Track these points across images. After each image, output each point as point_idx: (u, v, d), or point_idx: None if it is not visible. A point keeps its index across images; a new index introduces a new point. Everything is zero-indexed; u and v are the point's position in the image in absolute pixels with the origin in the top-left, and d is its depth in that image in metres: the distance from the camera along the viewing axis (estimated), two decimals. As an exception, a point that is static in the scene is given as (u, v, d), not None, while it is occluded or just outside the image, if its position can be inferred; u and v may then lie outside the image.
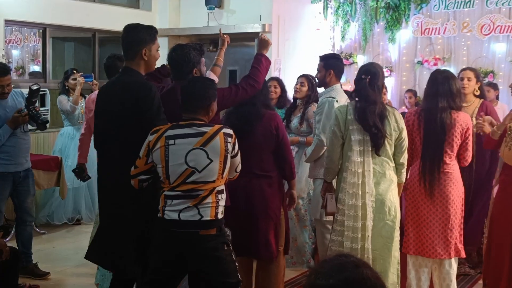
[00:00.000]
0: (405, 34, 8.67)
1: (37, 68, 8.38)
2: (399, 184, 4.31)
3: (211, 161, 3.36)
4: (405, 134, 4.23)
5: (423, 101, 4.68)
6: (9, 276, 4.06)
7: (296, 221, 5.48)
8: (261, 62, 4.13)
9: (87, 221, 6.92)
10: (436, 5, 8.41)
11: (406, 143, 4.26)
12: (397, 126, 4.25)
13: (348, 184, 4.13)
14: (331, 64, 4.93)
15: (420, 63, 8.55)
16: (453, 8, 8.30)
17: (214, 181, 3.38)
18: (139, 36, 3.71)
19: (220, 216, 3.42)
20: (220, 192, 3.44)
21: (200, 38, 9.30)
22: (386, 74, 8.14)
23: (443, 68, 8.00)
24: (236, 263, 3.49)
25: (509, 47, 7.99)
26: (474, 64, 8.02)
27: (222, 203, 3.45)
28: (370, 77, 4.22)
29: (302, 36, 8.81)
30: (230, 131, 3.49)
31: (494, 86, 7.44)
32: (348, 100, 4.63)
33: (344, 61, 8.49)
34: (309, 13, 9.08)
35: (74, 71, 6.94)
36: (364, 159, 4.14)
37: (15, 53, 8.39)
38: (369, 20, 8.84)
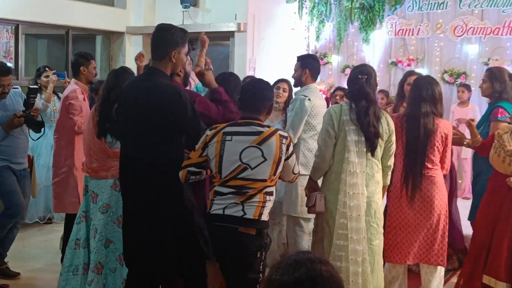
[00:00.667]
0: (379, 34, 8.71)
1: (9, 64, 8.24)
2: (384, 187, 4.30)
3: (265, 160, 3.38)
4: (394, 137, 4.21)
5: (406, 106, 4.66)
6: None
7: None
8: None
9: (58, 220, 6.80)
10: (410, 6, 8.46)
11: (394, 146, 4.24)
12: (388, 129, 4.22)
13: (348, 185, 4.05)
14: (308, 64, 4.91)
15: (394, 63, 8.59)
16: (427, 10, 8.37)
17: (265, 180, 3.39)
18: (171, 37, 3.62)
19: (264, 218, 3.40)
20: (269, 193, 3.44)
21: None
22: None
23: (417, 69, 8.06)
24: (261, 275, 3.43)
25: (481, 49, 8.06)
26: (447, 65, 8.19)
27: (269, 204, 3.44)
28: (367, 77, 4.18)
29: (277, 35, 8.81)
30: (286, 134, 3.52)
31: (468, 88, 7.51)
32: (324, 101, 4.62)
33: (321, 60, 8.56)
34: (284, 13, 9.09)
35: (47, 69, 6.85)
36: (358, 160, 4.09)
37: (-14, 49, 8.31)
38: (344, 20, 8.87)
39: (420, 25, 8.41)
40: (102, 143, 4.37)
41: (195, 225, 3.53)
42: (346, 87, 4.64)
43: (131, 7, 9.09)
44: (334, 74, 8.85)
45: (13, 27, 7.86)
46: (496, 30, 7.92)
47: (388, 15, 8.60)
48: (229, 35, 8.58)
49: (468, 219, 5.24)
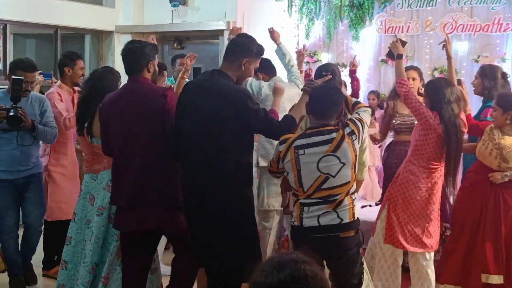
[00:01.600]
0: (369, 32, 8.72)
1: (-3, 65, 8.20)
2: (359, 182, 4.28)
3: (344, 164, 3.44)
4: (366, 134, 4.21)
5: (434, 107, 4.64)
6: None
7: None
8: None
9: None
10: (399, 3, 8.46)
11: (367, 142, 4.28)
12: None
13: None
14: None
15: (384, 61, 8.60)
16: (416, 7, 8.37)
17: (349, 182, 3.48)
18: (248, 46, 3.70)
19: (356, 216, 3.52)
20: (353, 192, 3.54)
21: (164, 35, 9.29)
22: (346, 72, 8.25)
23: (406, 65, 8.01)
24: (363, 266, 3.66)
25: (471, 46, 8.09)
26: (437, 63, 8.22)
27: (356, 202, 3.56)
28: (331, 75, 4.22)
29: (266, 33, 8.64)
30: (350, 128, 3.53)
31: (458, 82, 7.46)
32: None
33: (309, 59, 8.62)
34: (274, 11, 9.10)
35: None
36: None
37: (-27, 50, 8.22)
38: (333, 18, 8.85)
39: (409, 23, 8.41)
40: (87, 139, 4.37)
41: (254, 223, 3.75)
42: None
43: (120, 6, 9.07)
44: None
45: (1, 27, 7.81)
46: (485, 27, 7.94)
47: (378, 13, 8.60)
48: (218, 33, 8.58)
49: None
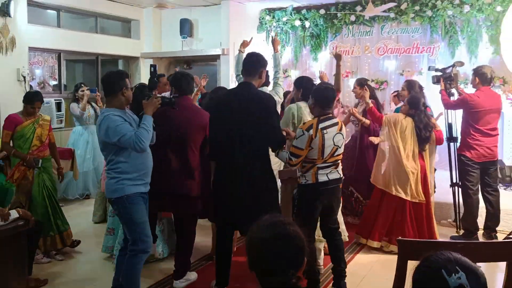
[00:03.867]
0: (324, 55, 8.72)
1: (54, 83, 8.28)
2: None
3: (343, 138, 3.74)
4: None
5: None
6: (33, 240, 3.98)
7: None
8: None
9: (93, 196, 6.88)
10: (346, 33, 8.47)
11: None
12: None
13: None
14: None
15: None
16: (358, 36, 8.38)
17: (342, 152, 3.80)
18: (262, 59, 3.66)
19: None
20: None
21: (176, 59, 9.33)
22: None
23: (351, 79, 8.16)
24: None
25: (398, 63, 8.09)
26: (374, 76, 8.20)
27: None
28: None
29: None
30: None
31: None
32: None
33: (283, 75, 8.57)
34: (256, 41, 9.00)
35: (82, 85, 6.93)
36: None
37: (37, 72, 8.33)
38: (299, 45, 8.88)
39: (353, 47, 8.45)
40: None
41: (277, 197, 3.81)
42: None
43: (144, 38, 9.16)
44: (292, 84, 8.82)
45: (57, 55, 7.90)
46: (407, 50, 7.98)
47: (331, 40, 8.62)
48: (216, 57, 8.65)
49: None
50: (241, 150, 3.51)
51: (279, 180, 4.26)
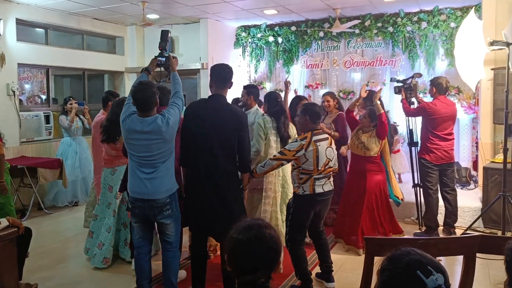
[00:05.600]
0: (296, 68, 8.79)
1: (43, 96, 8.12)
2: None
3: (334, 154, 3.75)
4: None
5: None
6: (23, 246, 3.88)
7: None
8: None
9: (82, 203, 6.77)
10: (315, 48, 8.55)
11: None
12: (293, 133, 4.47)
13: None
14: (251, 92, 4.80)
15: (307, 86, 8.68)
16: (327, 50, 8.47)
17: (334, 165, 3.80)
18: (229, 73, 3.52)
19: None
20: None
21: (158, 73, 9.17)
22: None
23: (321, 90, 8.23)
24: None
25: (363, 75, 8.19)
26: (341, 87, 8.31)
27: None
28: (280, 101, 4.40)
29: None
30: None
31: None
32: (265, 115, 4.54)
33: (258, 87, 8.60)
34: (233, 55, 9.14)
35: (71, 98, 6.86)
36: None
37: (27, 86, 8.19)
38: (273, 59, 8.92)
39: (322, 61, 8.52)
40: (111, 145, 4.33)
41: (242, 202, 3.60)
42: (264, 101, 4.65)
43: (128, 53, 9.06)
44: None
45: (45, 70, 7.76)
46: (372, 63, 8.10)
47: (302, 55, 8.69)
48: (196, 71, 8.62)
49: None
50: (211, 160, 3.38)
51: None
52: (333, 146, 3.74)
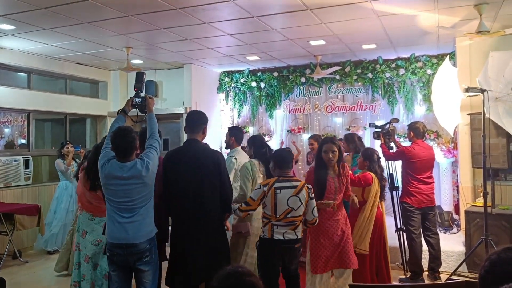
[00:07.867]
0: (279, 112, 8.91)
1: (23, 141, 8.04)
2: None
3: (301, 203, 3.56)
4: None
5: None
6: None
7: None
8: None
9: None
10: (297, 93, 8.67)
11: None
12: None
13: (257, 212, 4.08)
14: (233, 133, 4.90)
15: (289, 131, 8.74)
16: (308, 96, 8.60)
17: (301, 215, 3.61)
18: (203, 119, 3.67)
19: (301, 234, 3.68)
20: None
21: (142, 117, 9.15)
22: (267, 138, 8.38)
23: (304, 135, 8.31)
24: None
25: (344, 120, 8.32)
26: (323, 131, 8.39)
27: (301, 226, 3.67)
28: (268, 146, 4.47)
29: (211, 115, 8.91)
30: (310, 185, 3.67)
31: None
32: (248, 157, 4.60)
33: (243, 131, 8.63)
34: (216, 99, 9.20)
35: (68, 142, 6.88)
36: None
37: (6, 130, 8.05)
38: (256, 104, 9.01)
39: (304, 106, 8.63)
40: (94, 193, 4.22)
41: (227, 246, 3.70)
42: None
43: (111, 98, 9.06)
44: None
45: (26, 115, 7.70)
46: (353, 107, 8.24)
47: (284, 100, 8.80)
48: (179, 115, 8.62)
49: None
50: (198, 205, 3.46)
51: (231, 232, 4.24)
52: (302, 195, 3.57)
